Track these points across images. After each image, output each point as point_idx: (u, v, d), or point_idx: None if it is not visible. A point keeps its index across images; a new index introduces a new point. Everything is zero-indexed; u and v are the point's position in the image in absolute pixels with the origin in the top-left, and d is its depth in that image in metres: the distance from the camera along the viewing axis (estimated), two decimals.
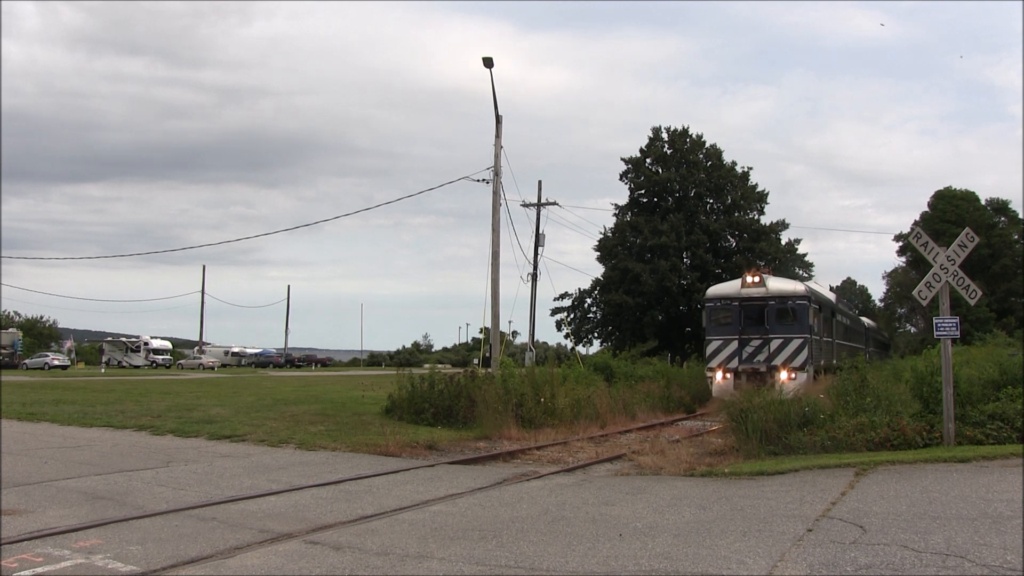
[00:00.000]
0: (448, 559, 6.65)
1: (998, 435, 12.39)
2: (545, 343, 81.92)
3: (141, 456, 13.12)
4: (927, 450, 12.00)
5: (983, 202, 63.99)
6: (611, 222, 56.62)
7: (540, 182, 43.02)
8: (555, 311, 55.66)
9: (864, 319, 50.45)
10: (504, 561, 6.58)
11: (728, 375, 25.28)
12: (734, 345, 25.51)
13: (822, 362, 27.63)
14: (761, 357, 25.21)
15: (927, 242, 13.39)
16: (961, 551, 6.53)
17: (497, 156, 24.62)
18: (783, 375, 24.01)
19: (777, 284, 26.55)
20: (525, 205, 40.13)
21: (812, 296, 26.62)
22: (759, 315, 25.69)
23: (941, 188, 65.04)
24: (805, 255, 62.19)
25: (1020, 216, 64.16)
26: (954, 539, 6.92)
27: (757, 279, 26.13)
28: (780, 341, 25.09)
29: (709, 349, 26.16)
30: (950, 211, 60.10)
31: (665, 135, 56.71)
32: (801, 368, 24.39)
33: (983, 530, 7.22)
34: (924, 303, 13.65)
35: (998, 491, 9.02)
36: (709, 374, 26.18)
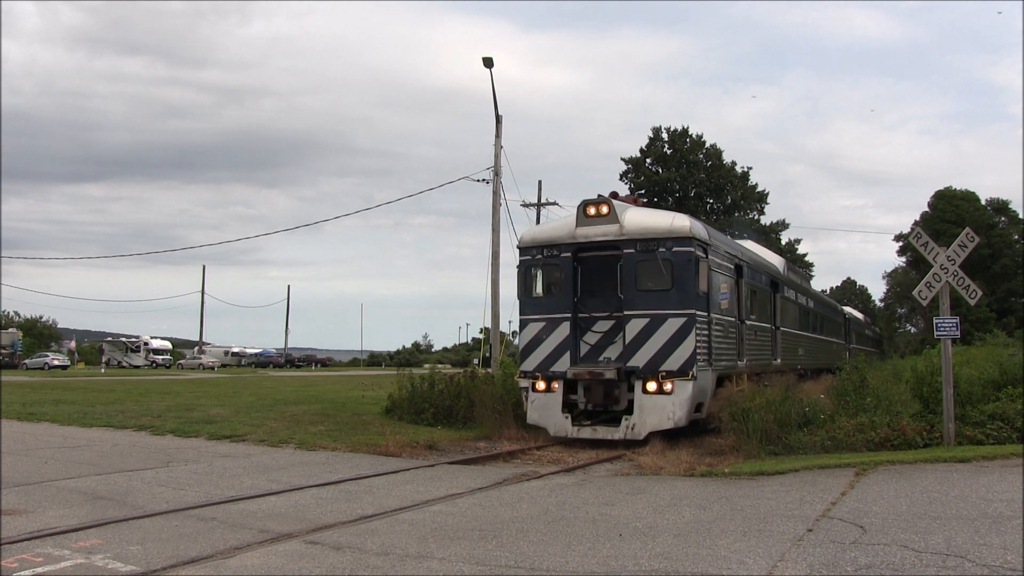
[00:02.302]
0: (448, 559, 6.65)
1: (998, 435, 12.40)
2: None
3: (141, 456, 13.12)
4: (927, 450, 12.00)
5: (983, 202, 64.06)
6: None
7: (540, 182, 42.94)
8: None
9: (848, 308, 45.53)
10: (504, 561, 6.58)
11: (555, 385, 15.35)
12: (564, 331, 15.42)
13: (742, 361, 17.81)
14: (611, 353, 15.21)
15: (927, 242, 13.39)
16: (961, 551, 6.53)
17: (497, 156, 24.63)
18: (650, 386, 14.42)
19: (641, 218, 15.33)
20: (525, 205, 40.00)
21: (709, 243, 15.77)
22: (608, 275, 15.34)
23: (941, 188, 65.18)
24: (805, 255, 62.26)
25: (1020, 216, 64.23)
26: (954, 539, 6.92)
27: (604, 209, 15.24)
28: (644, 323, 14.65)
29: (523, 338, 16.13)
30: (950, 211, 60.14)
31: (665, 135, 56.81)
32: (683, 373, 14.28)
33: (983, 530, 7.22)
34: (924, 303, 13.65)
35: (998, 491, 9.01)
36: (522, 383, 16.07)
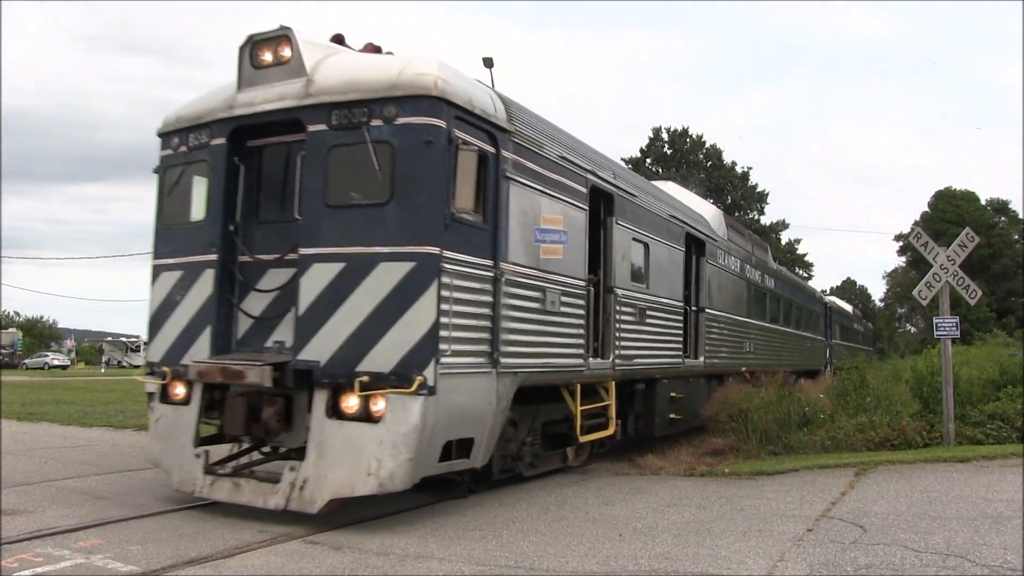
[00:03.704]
0: (448, 559, 6.65)
1: (998, 435, 12.40)
2: None
3: (141, 456, 13.09)
4: (927, 450, 12.00)
5: (983, 202, 64.21)
6: None
7: None
8: None
9: (832, 298, 42.21)
10: (504, 561, 6.58)
11: (194, 392, 8.50)
12: (206, 287, 8.51)
13: (604, 359, 11.01)
14: (283, 336, 8.17)
15: (927, 242, 13.40)
16: (961, 551, 6.53)
17: None
18: (348, 403, 7.49)
19: (347, 66, 8.07)
20: None
21: (506, 128, 8.58)
22: (282, 176, 8.72)
23: (941, 188, 65.32)
24: (805, 255, 62.27)
25: (1020, 216, 64.34)
26: (954, 539, 6.92)
27: (285, 53, 8.07)
28: (336, 272, 7.62)
29: (153, 300, 9.11)
30: (950, 211, 60.33)
31: (665, 135, 56.87)
32: (403, 378, 7.25)
33: (983, 530, 7.22)
34: (924, 303, 13.65)
35: (998, 491, 9.02)
36: (148, 386, 9.07)
